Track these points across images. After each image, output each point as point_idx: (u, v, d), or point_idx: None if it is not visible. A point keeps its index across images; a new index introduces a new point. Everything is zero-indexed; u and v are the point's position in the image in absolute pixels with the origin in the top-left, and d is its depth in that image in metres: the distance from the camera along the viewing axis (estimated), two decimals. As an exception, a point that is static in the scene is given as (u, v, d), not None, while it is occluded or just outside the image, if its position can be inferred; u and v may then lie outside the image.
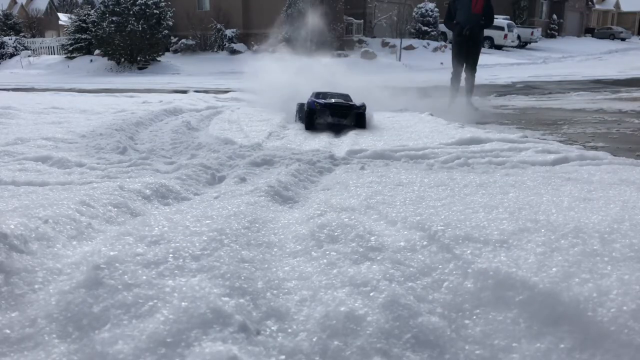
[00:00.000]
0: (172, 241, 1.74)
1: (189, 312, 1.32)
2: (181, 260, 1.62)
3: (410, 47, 23.65)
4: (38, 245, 1.72)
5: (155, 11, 21.67)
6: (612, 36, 40.66)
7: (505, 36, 27.85)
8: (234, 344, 1.24)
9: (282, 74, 7.94)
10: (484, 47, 24.73)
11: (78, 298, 1.41)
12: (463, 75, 7.42)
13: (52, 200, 2.27)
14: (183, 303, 1.36)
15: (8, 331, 1.31)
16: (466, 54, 7.25)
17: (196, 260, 1.62)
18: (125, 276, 1.50)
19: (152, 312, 1.35)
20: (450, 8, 7.30)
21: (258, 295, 1.50)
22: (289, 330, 1.36)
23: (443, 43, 25.35)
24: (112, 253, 1.62)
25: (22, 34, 29.78)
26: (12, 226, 1.72)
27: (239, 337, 1.27)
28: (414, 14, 26.25)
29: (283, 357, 1.25)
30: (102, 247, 1.70)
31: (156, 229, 1.86)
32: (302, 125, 5.80)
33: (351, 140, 4.81)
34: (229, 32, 24.40)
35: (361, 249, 1.80)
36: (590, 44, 34.97)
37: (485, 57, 20.65)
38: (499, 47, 27.74)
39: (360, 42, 24.36)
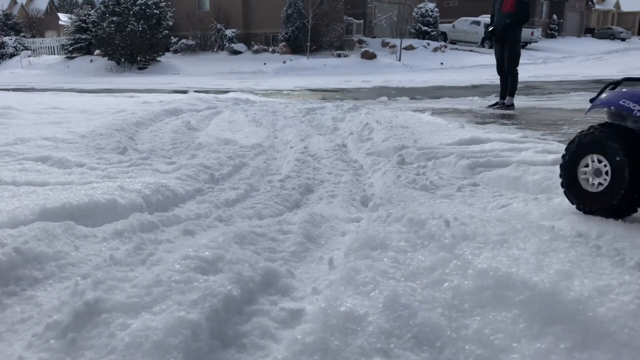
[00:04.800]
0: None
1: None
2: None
3: (410, 47, 23.65)
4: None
5: (155, 11, 21.66)
6: (612, 36, 40.59)
7: (506, 36, 27.79)
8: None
9: None
10: (483, 47, 24.77)
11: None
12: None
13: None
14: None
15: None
16: (500, 54, 7.31)
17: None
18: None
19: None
20: (493, 11, 7.30)
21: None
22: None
23: (443, 43, 25.34)
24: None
25: (22, 34, 29.76)
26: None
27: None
28: (414, 14, 26.23)
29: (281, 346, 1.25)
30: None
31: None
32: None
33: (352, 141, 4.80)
34: (229, 32, 24.40)
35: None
36: (590, 44, 34.92)
37: (485, 57, 20.64)
38: (499, 47, 27.68)
39: (360, 42, 24.35)
